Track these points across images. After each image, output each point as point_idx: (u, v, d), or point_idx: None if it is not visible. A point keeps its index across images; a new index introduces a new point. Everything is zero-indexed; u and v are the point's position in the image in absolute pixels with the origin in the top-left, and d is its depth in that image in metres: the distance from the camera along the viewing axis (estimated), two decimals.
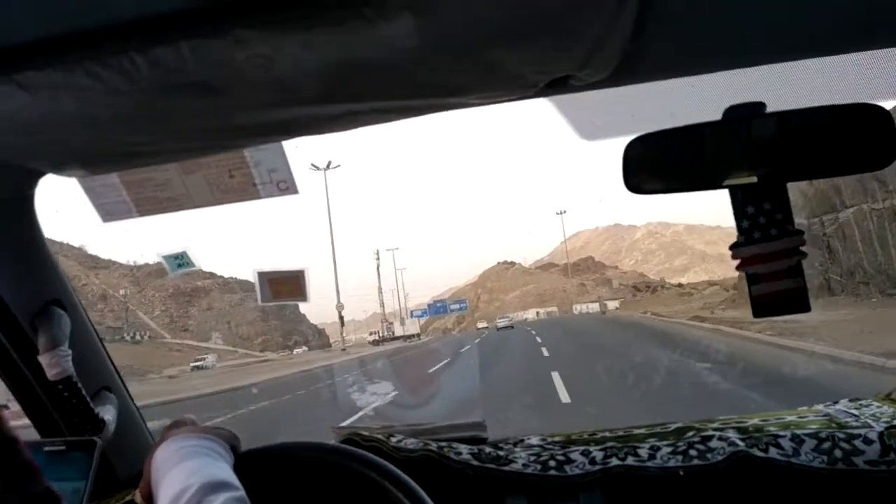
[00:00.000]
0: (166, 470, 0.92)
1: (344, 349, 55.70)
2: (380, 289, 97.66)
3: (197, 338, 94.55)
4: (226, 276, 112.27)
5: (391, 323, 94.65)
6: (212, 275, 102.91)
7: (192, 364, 62.83)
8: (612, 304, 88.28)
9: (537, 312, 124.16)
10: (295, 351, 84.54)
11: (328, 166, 68.88)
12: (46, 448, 1.21)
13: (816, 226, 23.52)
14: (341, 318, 57.34)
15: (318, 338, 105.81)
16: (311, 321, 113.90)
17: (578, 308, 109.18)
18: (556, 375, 13.00)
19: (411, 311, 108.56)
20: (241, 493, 0.88)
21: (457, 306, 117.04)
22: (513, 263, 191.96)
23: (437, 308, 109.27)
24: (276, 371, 34.10)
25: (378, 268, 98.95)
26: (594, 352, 19.64)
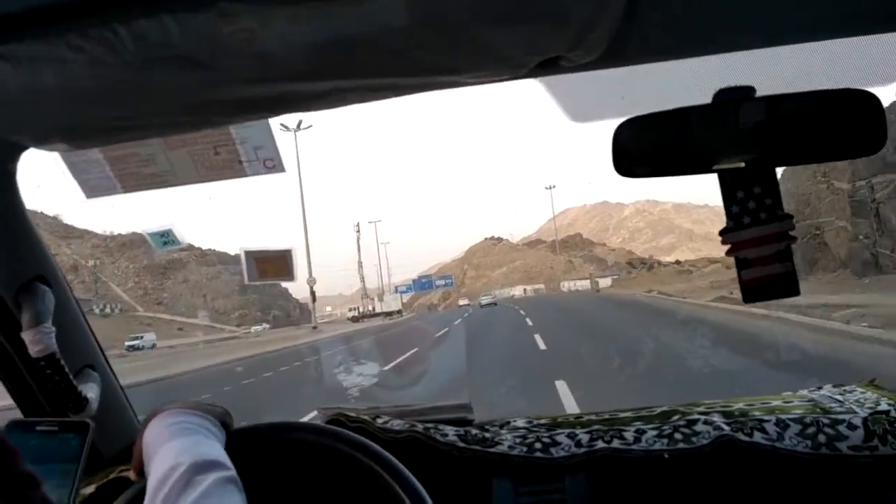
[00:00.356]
0: (157, 446, 0.92)
1: (315, 327, 52.59)
2: (360, 262, 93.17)
3: (171, 311, 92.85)
4: (203, 247, 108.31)
5: (372, 299, 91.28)
6: (189, 246, 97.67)
7: (126, 344, 54.33)
8: (604, 282, 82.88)
9: (524, 289, 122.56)
10: (254, 328, 77.18)
11: (299, 126, 61.61)
12: (39, 428, 1.20)
13: (863, 190, 20.45)
14: (313, 293, 52.64)
15: (299, 313, 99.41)
16: (296, 296, 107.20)
17: (566, 285, 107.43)
18: (561, 386, 8.96)
19: (396, 287, 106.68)
20: (232, 472, 0.88)
21: (442, 282, 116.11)
22: (500, 239, 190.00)
23: (422, 284, 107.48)
24: (220, 355, 29.60)
25: (358, 241, 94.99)
26: (612, 344, 12.87)
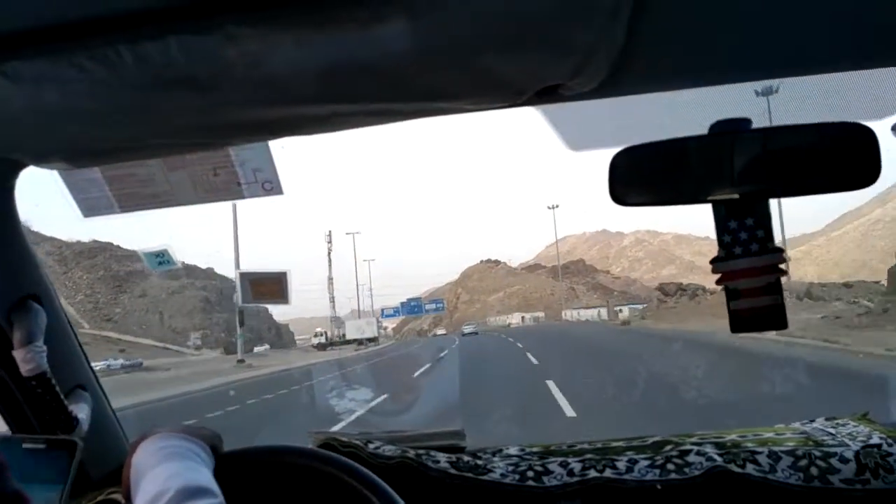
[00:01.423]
0: (145, 470, 0.91)
1: (242, 360, 37.52)
2: (329, 279, 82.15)
3: (119, 329, 76.89)
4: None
5: (343, 322, 78.57)
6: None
7: None
8: (626, 312, 63.33)
9: (522, 317, 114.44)
10: (193, 354, 62.68)
11: None
12: (26, 445, 1.19)
13: None
14: (240, 314, 40.95)
15: (273, 335, 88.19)
16: (276, 318, 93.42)
17: (569, 314, 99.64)
18: None
19: (382, 310, 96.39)
20: (220, 499, 0.87)
21: (433, 306, 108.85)
22: (497, 262, 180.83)
23: (410, 307, 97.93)
24: None
25: (329, 253, 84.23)
26: None
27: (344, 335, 69.28)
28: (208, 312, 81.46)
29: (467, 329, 65.06)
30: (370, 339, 64.79)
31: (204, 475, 0.92)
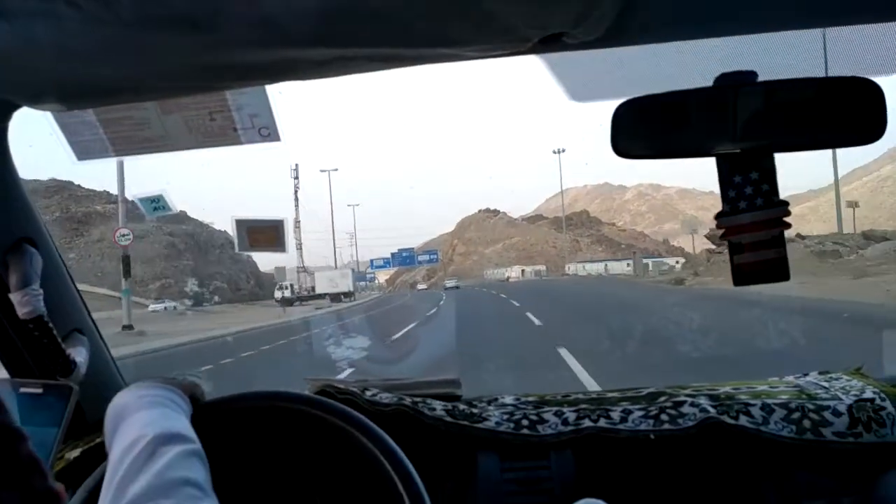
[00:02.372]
0: (122, 418, 0.92)
1: (128, 325, 24.48)
2: (297, 221, 72.15)
3: (74, 277, 63.79)
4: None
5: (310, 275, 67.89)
6: (125, 199, 72.56)
7: None
8: (652, 266, 52.87)
9: (522, 271, 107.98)
10: (152, 307, 51.89)
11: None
12: (22, 389, 1.20)
13: None
14: (125, 260, 26.79)
15: (254, 285, 77.88)
16: (262, 267, 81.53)
17: (573, 268, 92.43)
18: None
19: (371, 261, 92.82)
20: (196, 446, 0.88)
21: (426, 257, 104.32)
22: (496, 212, 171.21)
23: (402, 258, 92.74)
24: None
25: (296, 191, 74.34)
26: None
27: (313, 288, 60.18)
28: (173, 259, 72.13)
29: (449, 283, 71.23)
30: (345, 294, 56.34)
31: (181, 422, 0.93)
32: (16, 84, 1.00)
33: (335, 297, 53.50)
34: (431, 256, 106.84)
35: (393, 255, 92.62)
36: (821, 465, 1.25)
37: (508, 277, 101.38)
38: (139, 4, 0.74)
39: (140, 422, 0.89)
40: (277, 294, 55.77)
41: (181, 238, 73.40)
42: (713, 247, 40.72)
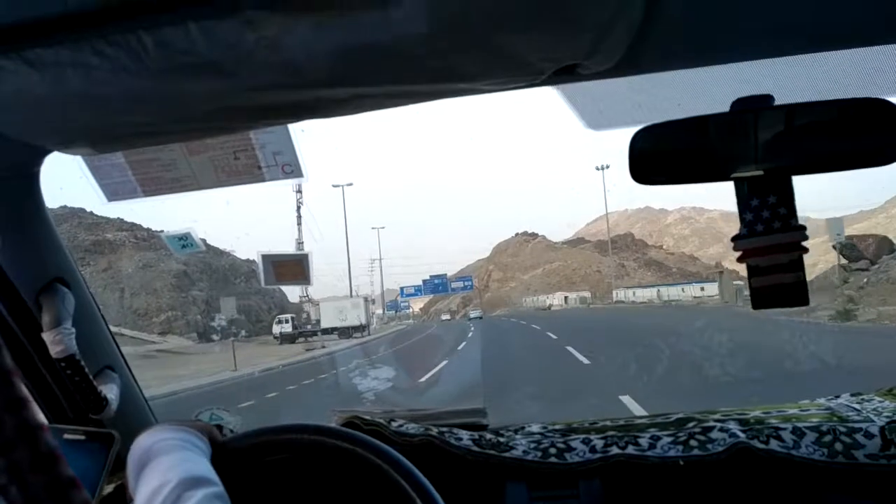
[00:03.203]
0: (143, 463, 0.92)
1: None
2: (299, 243, 62.64)
3: None
4: (154, 229, 70.07)
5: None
6: (132, 226, 67.71)
7: None
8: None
9: (565, 298, 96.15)
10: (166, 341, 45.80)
11: None
12: (66, 436, 1.22)
13: None
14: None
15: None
16: (291, 298, 68.14)
17: (621, 294, 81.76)
18: None
19: (402, 289, 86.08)
20: (219, 489, 0.88)
21: (460, 284, 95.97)
22: (534, 235, 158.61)
23: (434, 286, 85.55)
24: None
25: (298, 208, 63.26)
26: None
27: (318, 322, 49.24)
28: (183, 290, 62.46)
29: (473, 314, 69.21)
30: (356, 328, 46.21)
31: (202, 465, 0.94)
32: (48, 130, 1.04)
33: (344, 332, 45.35)
34: (465, 283, 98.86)
35: (424, 282, 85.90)
36: (854, 488, 1.23)
37: (550, 305, 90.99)
38: (164, 53, 0.77)
39: (163, 466, 0.90)
40: (276, 329, 48.42)
41: (195, 266, 65.12)
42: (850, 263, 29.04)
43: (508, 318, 53.45)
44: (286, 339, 45.41)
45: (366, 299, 51.36)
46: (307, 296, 59.13)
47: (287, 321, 48.85)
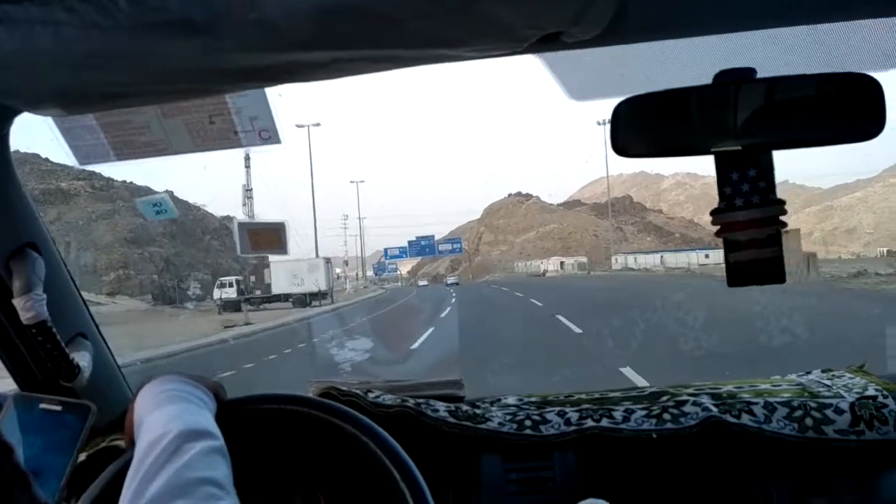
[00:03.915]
0: (147, 413, 0.93)
1: None
2: (247, 189, 54.64)
3: None
4: (115, 178, 61.95)
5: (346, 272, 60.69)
6: (91, 175, 58.84)
7: None
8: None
9: (561, 263, 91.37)
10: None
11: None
12: (42, 405, 1.21)
13: None
14: None
15: (253, 281, 50.65)
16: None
17: (620, 260, 76.68)
18: None
19: (385, 251, 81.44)
20: (220, 442, 0.89)
21: (448, 246, 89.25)
22: (528, 196, 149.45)
23: (420, 247, 79.89)
24: None
25: (248, 158, 50.99)
26: None
27: (268, 286, 41.82)
28: (139, 245, 55.18)
29: (450, 280, 70.72)
30: (314, 295, 38.11)
31: (205, 417, 0.95)
32: (16, 90, 1.01)
33: (300, 300, 38.09)
34: (454, 245, 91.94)
35: (410, 243, 79.88)
36: (823, 462, 1.25)
37: (545, 271, 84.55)
38: (137, 10, 0.75)
39: (165, 417, 0.90)
40: (217, 294, 40.84)
41: (161, 223, 55.52)
42: None
43: (499, 287, 46.92)
44: (229, 306, 37.78)
45: (327, 261, 42.13)
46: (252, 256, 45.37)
47: (231, 284, 41.24)
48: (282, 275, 40.48)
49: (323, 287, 39.14)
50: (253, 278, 43.81)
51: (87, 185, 61.88)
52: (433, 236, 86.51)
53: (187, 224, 60.73)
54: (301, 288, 39.17)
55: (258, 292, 42.07)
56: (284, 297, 39.83)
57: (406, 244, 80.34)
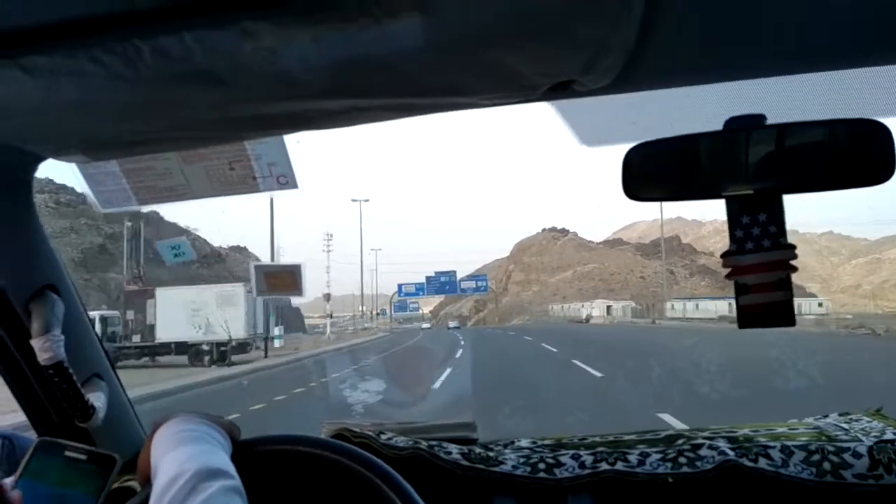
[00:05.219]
0: (164, 452, 0.94)
1: None
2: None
3: None
4: (77, 190, 22.06)
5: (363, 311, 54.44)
6: (59, 189, 54.17)
7: None
8: None
9: (608, 308, 78.09)
10: None
11: None
12: (67, 453, 1.21)
13: None
14: None
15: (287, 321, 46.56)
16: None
17: (677, 307, 63.15)
18: None
19: (400, 287, 72.86)
20: (237, 482, 0.90)
21: (472, 284, 77.30)
22: (564, 232, 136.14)
23: (440, 284, 70.57)
24: None
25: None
26: None
27: (152, 328, 26.52)
28: (92, 270, 47.14)
29: (452, 324, 66.94)
30: (222, 346, 24.19)
31: (221, 457, 0.95)
32: (41, 137, 1.04)
33: (196, 354, 24.65)
34: (479, 283, 78.87)
35: (428, 279, 70.73)
36: None
37: (588, 317, 72.38)
38: (160, 61, 0.77)
39: (181, 457, 0.91)
40: None
41: (116, 239, 46.24)
42: None
43: (521, 336, 36.23)
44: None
45: (249, 291, 24.15)
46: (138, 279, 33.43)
47: (103, 321, 25.01)
48: (171, 311, 25.52)
49: (245, 333, 25.32)
50: (131, 315, 27.65)
51: (51, 198, 54.47)
52: (455, 272, 76.06)
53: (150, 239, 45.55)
54: (204, 334, 25.02)
55: (137, 338, 26.99)
56: (177, 348, 25.35)
57: (424, 280, 71.29)
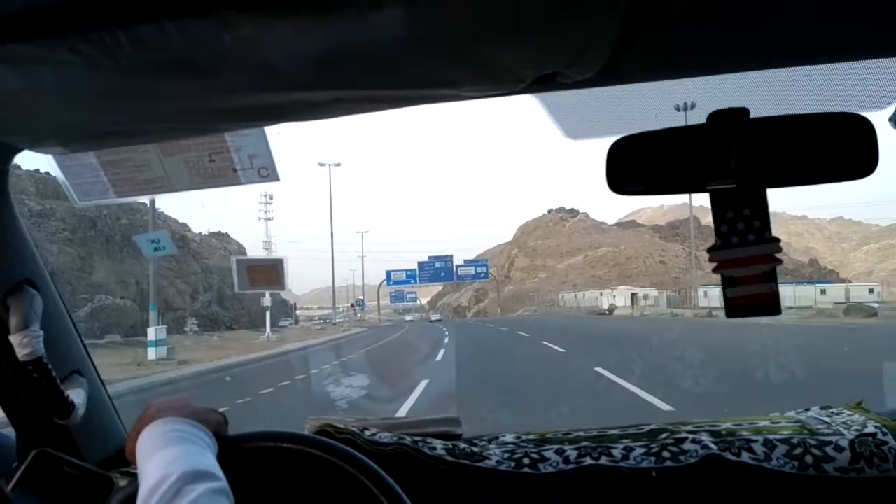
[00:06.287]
0: (150, 453, 0.93)
1: None
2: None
3: None
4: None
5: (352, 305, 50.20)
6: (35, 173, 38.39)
7: None
8: None
9: (633, 296, 66.17)
10: None
11: None
12: (65, 468, 1.20)
13: None
14: None
15: (251, 318, 47.87)
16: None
17: (712, 293, 50.22)
18: None
19: (388, 273, 66.23)
20: (223, 483, 0.89)
21: (469, 270, 69.58)
22: (573, 212, 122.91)
23: (434, 271, 63.87)
24: None
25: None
26: None
27: None
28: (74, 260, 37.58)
29: (434, 316, 61.32)
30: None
31: (207, 458, 0.94)
32: (17, 128, 1.02)
33: None
34: (478, 269, 70.61)
35: (421, 265, 63.96)
36: (823, 500, 1.24)
37: (612, 308, 61.24)
38: (140, 51, 0.75)
39: (167, 459, 0.90)
40: None
41: (70, 222, 38.23)
42: None
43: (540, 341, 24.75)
44: None
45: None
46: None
47: None
48: None
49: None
50: None
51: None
52: (451, 257, 68.27)
53: (116, 230, 38.51)
54: None
55: None
56: None
57: (416, 266, 64.52)
